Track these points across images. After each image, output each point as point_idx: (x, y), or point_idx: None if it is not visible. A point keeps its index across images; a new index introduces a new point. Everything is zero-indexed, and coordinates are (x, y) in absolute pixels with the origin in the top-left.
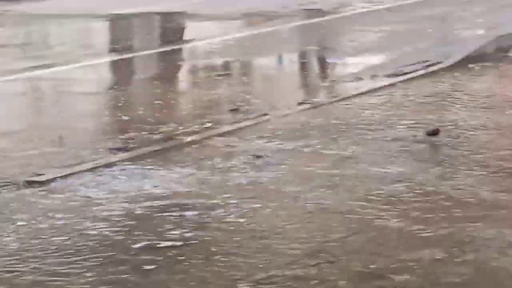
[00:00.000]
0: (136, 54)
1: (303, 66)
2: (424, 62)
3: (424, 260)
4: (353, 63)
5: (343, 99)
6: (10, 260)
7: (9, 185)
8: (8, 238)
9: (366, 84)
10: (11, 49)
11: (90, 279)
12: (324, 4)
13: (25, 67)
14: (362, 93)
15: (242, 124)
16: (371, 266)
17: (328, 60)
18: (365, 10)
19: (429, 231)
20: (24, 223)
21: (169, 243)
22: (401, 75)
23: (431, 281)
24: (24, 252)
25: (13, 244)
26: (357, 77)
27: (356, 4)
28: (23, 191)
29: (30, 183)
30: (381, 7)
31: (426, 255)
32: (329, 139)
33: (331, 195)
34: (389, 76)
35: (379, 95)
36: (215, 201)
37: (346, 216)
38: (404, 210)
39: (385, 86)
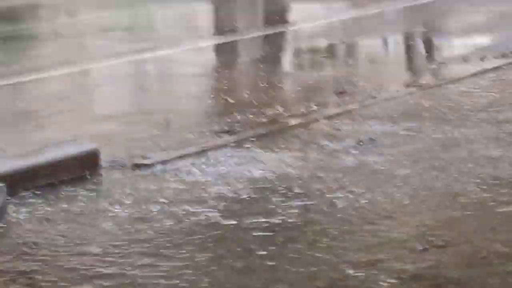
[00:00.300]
0: (240, 36)
1: (410, 48)
2: None
3: None
4: (461, 45)
5: (451, 81)
6: (117, 242)
7: (117, 168)
8: (115, 220)
9: (475, 66)
10: (116, 32)
11: (200, 261)
12: None
13: (130, 50)
14: (470, 75)
15: (349, 107)
16: (483, 251)
17: (436, 42)
18: None
19: None
20: (131, 205)
21: (277, 226)
22: (511, 56)
23: None
24: (131, 234)
25: (120, 226)
26: (465, 59)
27: None
28: (131, 173)
29: (137, 166)
30: None
31: None
32: (438, 122)
33: (441, 178)
34: (498, 57)
35: (489, 77)
36: (322, 184)
37: (457, 199)
38: None
39: (494, 68)
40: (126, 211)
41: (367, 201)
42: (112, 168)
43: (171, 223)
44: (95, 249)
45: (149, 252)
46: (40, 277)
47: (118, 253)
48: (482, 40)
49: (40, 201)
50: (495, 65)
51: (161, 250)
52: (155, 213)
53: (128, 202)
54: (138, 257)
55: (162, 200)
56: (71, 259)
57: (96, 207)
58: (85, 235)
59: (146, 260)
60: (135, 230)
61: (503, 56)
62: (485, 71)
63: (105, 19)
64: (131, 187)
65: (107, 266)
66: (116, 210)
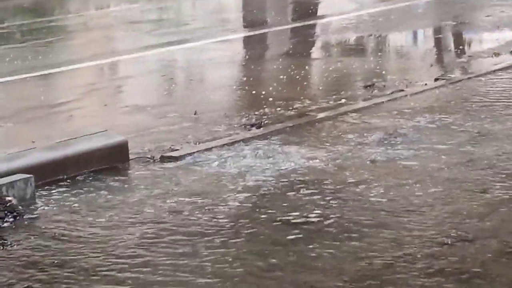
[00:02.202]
0: (269, 29)
1: (439, 41)
2: None
3: None
4: (491, 38)
5: (481, 75)
6: (146, 233)
7: (146, 160)
8: (144, 212)
9: (505, 60)
10: (146, 25)
11: (231, 252)
12: None
13: (159, 42)
14: (500, 69)
15: (378, 100)
16: (510, 246)
17: (465, 35)
18: None
19: None
20: (159, 197)
21: (305, 219)
22: None
23: None
24: (160, 226)
25: (149, 218)
26: (495, 53)
27: None
28: (159, 165)
29: (165, 158)
30: None
31: None
32: (467, 116)
33: (469, 173)
34: None
35: None
36: (350, 178)
37: (485, 194)
38: None
39: None
40: (154, 202)
41: (395, 195)
42: (140, 160)
43: (200, 215)
44: (124, 242)
45: (179, 243)
46: (68, 269)
47: (149, 243)
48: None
49: (68, 192)
50: None
51: (190, 242)
52: (183, 204)
53: (156, 193)
54: (169, 248)
55: (189, 192)
56: (96, 251)
57: (125, 199)
58: (113, 227)
59: (178, 250)
60: (164, 221)
61: None
62: None
63: (134, 11)
64: (159, 179)
65: (137, 257)
66: (144, 201)
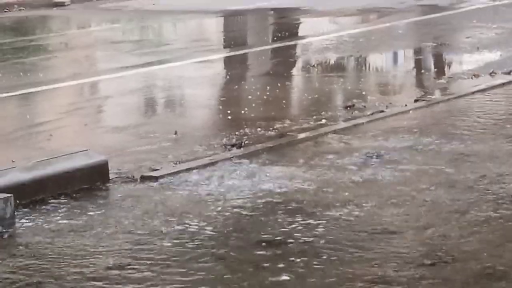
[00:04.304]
0: (250, 50)
1: (419, 63)
2: None
3: None
4: (470, 60)
5: (461, 96)
6: (123, 254)
7: (125, 179)
8: (122, 232)
9: (484, 82)
10: (127, 45)
11: (206, 278)
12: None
13: (140, 62)
14: (480, 91)
15: (358, 121)
16: (490, 268)
17: (445, 56)
18: (483, 6)
19: None
20: (138, 218)
21: (284, 240)
22: None
23: None
24: (138, 246)
25: (126, 239)
26: (475, 74)
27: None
28: (139, 185)
29: (145, 178)
30: (500, 3)
31: None
32: (446, 137)
33: (449, 194)
34: (507, 73)
35: (498, 93)
36: (329, 199)
37: (465, 216)
38: None
39: (503, 83)
40: (134, 222)
41: (374, 216)
42: (121, 179)
43: (180, 235)
44: (101, 262)
45: (159, 264)
46: None
47: (128, 264)
48: (492, 56)
49: (48, 212)
50: (504, 80)
51: (170, 262)
52: (163, 224)
53: (136, 213)
54: (142, 272)
55: (169, 212)
56: (75, 271)
57: (104, 219)
58: (92, 247)
59: (158, 271)
60: (142, 242)
61: (506, 71)
62: (494, 87)
63: (115, 31)
64: (139, 199)
65: (115, 278)
66: (124, 221)
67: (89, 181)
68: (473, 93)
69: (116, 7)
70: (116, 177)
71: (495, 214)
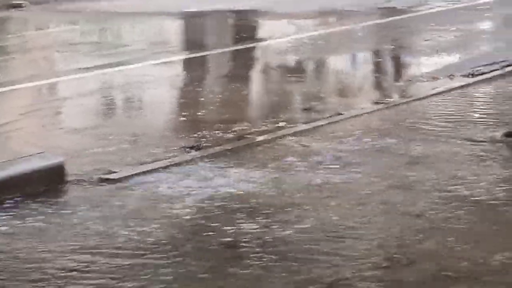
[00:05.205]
0: (210, 52)
1: (378, 65)
2: (502, 62)
3: (499, 263)
4: (429, 63)
5: (419, 99)
6: (80, 257)
7: (83, 182)
8: (82, 233)
9: (442, 84)
10: (85, 46)
11: (164, 280)
12: (400, 2)
13: (99, 64)
14: (438, 93)
15: (317, 123)
16: (446, 269)
17: (403, 59)
18: (441, 9)
19: (503, 234)
20: (96, 220)
21: (240, 242)
22: (478, 75)
23: (508, 284)
24: (97, 250)
25: (83, 242)
26: (433, 77)
27: (432, 3)
28: (96, 188)
29: (103, 180)
30: (458, 6)
31: (498, 258)
32: (404, 139)
33: (406, 196)
34: (466, 76)
35: (456, 96)
36: (287, 201)
37: (421, 217)
38: (478, 212)
39: (461, 86)
40: (91, 225)
41: (331, 218)
42: (78, 182)
43: (137, 237)
44: (57, 264)
45: (116, 266)
46: None
47: (86, 266)
48: (450, 58)
49: (4, 215)
50: (462, 83)
51: (128, 264)
52: (121, 227)
53: (94, 216)
54: (106, 271)
55: (127, 214)
56: (35, 274)
57: (62, 221)
58: (50, 250)
59: (115, 273)
60: (101, 244)
61: (471, 74)
62: (452, 89)
63: (74, 33)
64: (96, 202)
65: (74, 279)
66: (81, 224)
67: (46, 183)
68: (431, 95)
69: (74, 9)
70: (74, 179)
71: (452, 216)
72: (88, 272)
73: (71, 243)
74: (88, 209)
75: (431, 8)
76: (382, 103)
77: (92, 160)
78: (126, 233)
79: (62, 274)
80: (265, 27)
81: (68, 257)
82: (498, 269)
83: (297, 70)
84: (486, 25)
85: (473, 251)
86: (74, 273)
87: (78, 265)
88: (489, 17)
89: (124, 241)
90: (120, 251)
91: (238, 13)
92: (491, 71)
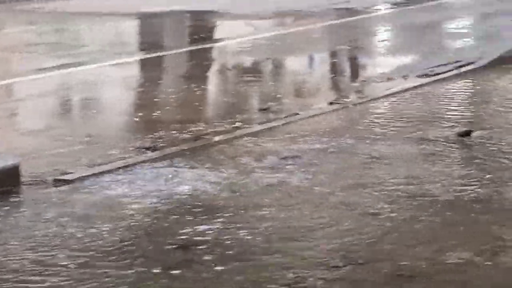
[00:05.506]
0: (166, 52)
1: (334, 66)
2: (456, 62)
3: (454, 262)
4: (384, 63)
5: (374, 99)
6: (34, 258)
7: (38, 183)
8: (36, 235)
9: (398, 84)
10: (42, 47)
11: (119, 282)
12: (357, 3)
13: (55, 65)
14: (393, 94)
15: (273, 124)
16: (400, 268)
17: (360, 60)
18: (396, 9)
19: (459, 232)
20: (50, 221)
21: (197, 243)
22: (433, 75)
23: (463, 282)
24: (48, 251)
25: (40, 241)
26: (388, 77)
27: (387, 3)
28: (52, 189)
29: (58, 182)
30: (413, 7)
31: (453, 257)
32: (359, 139)
33: (361, 196)
34: (420, 76)
35: (411, 96)
36: (242, 202)
37: (376, 217)
38: (434, 211)
39: (416, 86)
40: (45, 226)
41: (288, 218)
42: (33, 183)
43: (92, 239)
44: (10, 266)
45: (71, 268)
46: None
47: (40, 268)
48: (405, 59)
49: None
50: (417, 83)
51: (82, 266)
52: (75, 228)
53: (48, 217)
54: (60, 273)
55: (82, 215)
56: None
57: (16, 223)
58: (3, 251)
59: (57, 279)
60: (55, 246)
61: (426, 75)
62: (407, 90)
63: (31, 33)
64: (51, 203)
65: (28, 282)
66: (36, 225)
67: (0, 185)
68: (386, 96)
69: (31, 9)
70: (29, 180)
71: (408, 215)
72: (41, 273)
73: (25, 245)
74: (42, 210)
75: (387, 9)
76: (338, 103)
77: (48, 161)
78: (81, 234)
79: (17, 276)
80: (222, 28)
81: (20, 259)
82: (454, 268)
83: (254, 70)
84: (442, 26)
85: (428, 250)
86: (26, 276)
87: (33, 267)
88: (446, 18)
89: (78, 242)
90: (73, 252)
91: (195, 13)
92: (446, 71)
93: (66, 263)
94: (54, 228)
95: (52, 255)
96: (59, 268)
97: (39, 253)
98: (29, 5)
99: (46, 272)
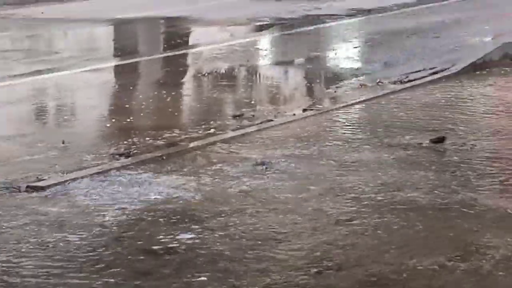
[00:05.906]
0: (140, 58)
1: (308, 72)
2: (430, 69)
3: (427, 268)
4: (358, 70)
5: (348, 105)
6: (10, 262)
7: (10, 189)
8: (8, 242)
9: (371, 91)
10: (15, 53)
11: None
12: (330, 10)
13: (29, 71)
14: (367, 100)
15: (247, 130)
16: (375, 274)
17: (334, 66)
18: (371, 16)
19: (432, 238)
20: (22, 229)
21: (171, 249)
22: (407, 82)
23: None
24: (20, 259)
25: (13, 249)
26: (362, 84)
27: (363, 10)
28: (24, 195)
29: (31, 188)
30: (390, 13)
31: (429, 263)
32: (334, 145)
33: (335, 202)
34: (394, 82)
35: (384, 102)
36: (215, 208)
37: (351, 223)
38: (407, 217)
39: (390, 92)
40: (18, 233)
41: (263, 225)
42: (5, 190)
43: (65, 246)
44: None
45: (44, 275)
46: None
47: (12, 276)
48: (379, 66)
49: None
50: (391, 90)
51: (56, 274)
52: (48, 235)
53: (20, 224)
54: (33, 280)
55: (55, 222)
56: None
57: None
58: None
59: (44, 282)
60: (27, 253)
61: (400, 81)
62: (381, 96)
63: (4, 39)
64: (24, 210)
65: None
66: (7, 232)
67: None
68: (360, 102)
69: (4, 15)
70: (1, 187)
71: (381, 221)
72: (14, 282)
73: None
74: (15, 216)
75: (361, 15)
76: (312, 109)
77: (20, 168)
78: (53, 241)
79: None
80: (196, 34)
81: None
82: (427, 274)
83: (228, 77)
84: (416, 33)
85: (401, 256)
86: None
87: (3, 273)
88: (420, 25)
89: (50, 249)
90: (45, 260)
91: (169, 20)
92: (420, 78)
93: (37, 271)
94: (24, 235)
95: (22, 262)
96: (28, 275)
97: (8, 261)
98: (2, 11)
99: (14, 283)
